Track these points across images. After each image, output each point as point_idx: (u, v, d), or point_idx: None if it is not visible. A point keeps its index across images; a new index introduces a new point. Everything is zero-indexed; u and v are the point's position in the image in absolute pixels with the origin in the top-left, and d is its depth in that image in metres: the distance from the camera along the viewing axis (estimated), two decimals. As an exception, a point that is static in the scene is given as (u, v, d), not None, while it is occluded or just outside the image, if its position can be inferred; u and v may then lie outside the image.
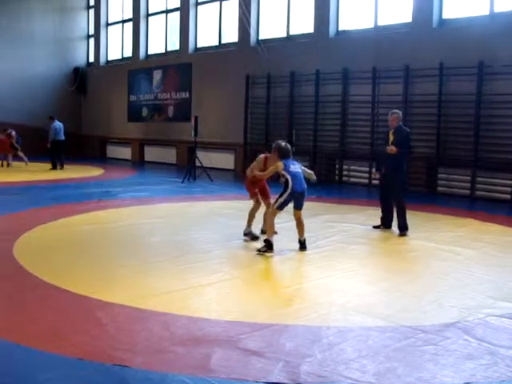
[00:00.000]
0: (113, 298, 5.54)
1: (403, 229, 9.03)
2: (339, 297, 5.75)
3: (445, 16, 14.82)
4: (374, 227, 9.47)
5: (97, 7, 27.30)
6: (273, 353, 4.28)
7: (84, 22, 28.46)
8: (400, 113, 9.48)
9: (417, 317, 5.19)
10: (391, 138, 9.13)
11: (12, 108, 25.31)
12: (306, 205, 8.14)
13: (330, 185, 16.38)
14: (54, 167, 19.51)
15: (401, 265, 7.37)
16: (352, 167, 16.65)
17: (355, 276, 6.57)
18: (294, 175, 7.58)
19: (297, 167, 7.76)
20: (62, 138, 19.88)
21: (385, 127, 15.41)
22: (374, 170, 10.73)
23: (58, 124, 19.87)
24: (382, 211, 9.48)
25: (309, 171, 8.22)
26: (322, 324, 4.96)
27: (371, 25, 16.34)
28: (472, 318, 5.17)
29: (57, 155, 19.65)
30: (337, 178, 16.89)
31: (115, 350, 4.34)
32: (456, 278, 6.60)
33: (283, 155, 7.71)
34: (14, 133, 20.38)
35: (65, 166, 19.76)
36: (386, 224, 9.40)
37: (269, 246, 7.42)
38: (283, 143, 7.93)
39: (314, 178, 8.23)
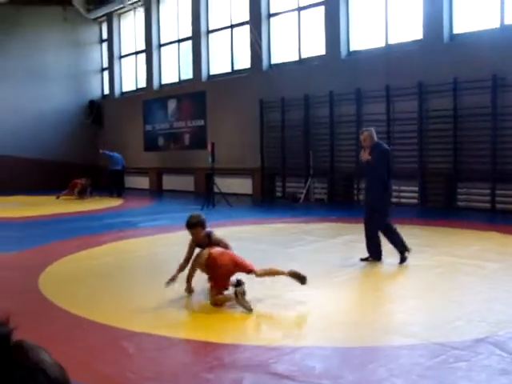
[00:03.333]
0: (138, 327, 5.54)
1: (403, 253, 8.12)
2: (366, 316, 5.71)
3: (455, 31, 14.85)
4: (362, 260, 8.34)
5: (110, 40, 27.67)
6: (304, 376, 4.25)
7: (98, 55, 28.84)
8: (372, 129, 8.53)
9: (446, 333, 5.13)
10: (368, 157, 8.36)
11: (29, 143, 25.69)
12: (327, 225, 8.10)
13: (349, 205, 16.35)
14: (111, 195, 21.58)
15: (426, 281, 7.29)
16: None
17: (381, 295, 6.53)
18: None
19: None
20: (117, 167, 22.17)
21: (401, 145, 15.61)
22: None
23: (115, 155, 22.41)
24: (367, 239, 8.44)
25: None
26: (350, 345, 4.92)
27: (382, 43, 16.40)
28: (502, 332, 5.10)
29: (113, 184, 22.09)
30: (355, 197, 16.84)
31: (143, 379, 4.34)
32: (482, 292, 6.53)
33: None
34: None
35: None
36: (375, 255, 8.35)
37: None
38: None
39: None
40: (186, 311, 6.01)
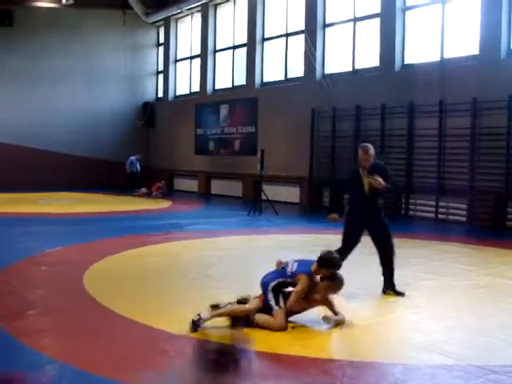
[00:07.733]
0: (178, 330, 5.60)
1: (391, 283, 7.43)
2: (406, 333, 5.69)
3: (513, 47, 14.63)
4: None
5: (166, 44, 28.15)
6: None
7: (154, 58, 29.39)
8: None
9: (486, 356, 5.07)
10: (365, 177, 7.74)
11: (86, 142, 26.56)
12: (369, 240, 7.99)
13: (397, 219, 16.20)
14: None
15: (469, 301, 7.19)
16: (418, 201, 16.42)
17: (422, 312, 6.48)
18: None
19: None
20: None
21: (452, 161, 15.39)
22: (335, 215, 8.67)
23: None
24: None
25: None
26: (388, 361, 4.92)
27: (437, 58, 16.23)
28: (545, 358, 5.02)
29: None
30: (403, 212, 16.69)
31: (182, 382, 4.43)
32: (527, 316, 6.43)
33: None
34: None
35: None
36: None
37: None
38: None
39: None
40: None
